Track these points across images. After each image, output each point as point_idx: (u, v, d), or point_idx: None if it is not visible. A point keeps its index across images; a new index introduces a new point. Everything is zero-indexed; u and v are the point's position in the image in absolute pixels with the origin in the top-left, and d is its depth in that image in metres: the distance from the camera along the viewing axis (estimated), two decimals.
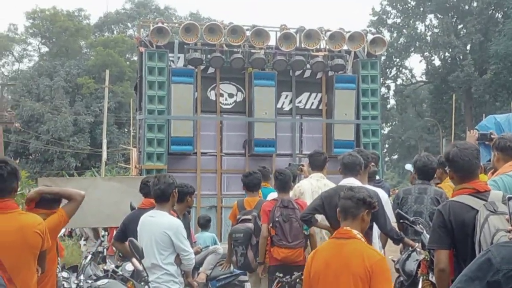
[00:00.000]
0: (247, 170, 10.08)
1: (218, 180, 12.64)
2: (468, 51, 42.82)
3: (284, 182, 6.59)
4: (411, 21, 45.90)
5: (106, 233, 11.72)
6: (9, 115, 28.39)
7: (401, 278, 5.41)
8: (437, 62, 46.73)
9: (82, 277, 6.55)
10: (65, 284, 6.26)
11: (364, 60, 13.18)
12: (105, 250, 9.29)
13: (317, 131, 13.30)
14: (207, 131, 12.74)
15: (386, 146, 54.37)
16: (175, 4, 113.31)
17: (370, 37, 13.48)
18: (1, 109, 29.04)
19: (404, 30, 45.37)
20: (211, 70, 12.80)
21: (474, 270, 2.10)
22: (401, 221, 5.55)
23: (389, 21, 46.58)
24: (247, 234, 6.79)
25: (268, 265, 6.58)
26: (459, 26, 44.70)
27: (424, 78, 49.18)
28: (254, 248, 6.74)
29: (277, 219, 6.36)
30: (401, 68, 48.03)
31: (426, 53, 46.46)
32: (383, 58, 31.22)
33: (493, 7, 42.87)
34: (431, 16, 45.96)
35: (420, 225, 5.32)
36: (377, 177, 7.87)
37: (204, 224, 9.75)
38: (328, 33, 12.99)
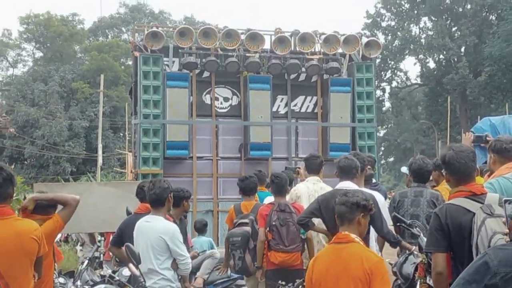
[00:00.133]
0: (243, 174, 10.09)
1: (214, 184, 12.64)
2: (462, 53, 42.90)
3: (281, 186, 6.56)
4: (405, 24, 45.95)
5: (103, 238, 11.68)
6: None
7: (399, 281, 5.42)
8: (431, 65, 46.85)
9: (79, 282, 6.55)
10: None
11: (359, 63, 13.21)
12: (101, 255, 9.29)
13: (312, 135, 13.31)
14: (203, 135, 12.74)
15: (382, 148, 54.44)
16: (169, 8, 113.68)
17: (364, 40, 13.51)
18: None
19: (399, 33, 45.41)
20: (206, 74, 12.81)
21: (472, 273, 2.11)
22: (398, 224, 5.56)
23: (384, 24, 46.63)
24: (245, 238, 6.77)
25: (265, 269, 6.57)
26: (453, 29, 44.78)
27: (419, 80, 49.25)
28: (252, 252, 6.71)
29: (274, 223, 6.34)
30: (396, 71, 48.06)
31: (421, 56, 46.53)
32: (378, 60, 31.21)
33: (487, 9, 42.95)
34: (425, 18, 46.08)
35: (417, 228, 5.33)
36: (374, 180, 7.88)
37: (200, 229, 9.72)
38: (323, 36, 13.02)
